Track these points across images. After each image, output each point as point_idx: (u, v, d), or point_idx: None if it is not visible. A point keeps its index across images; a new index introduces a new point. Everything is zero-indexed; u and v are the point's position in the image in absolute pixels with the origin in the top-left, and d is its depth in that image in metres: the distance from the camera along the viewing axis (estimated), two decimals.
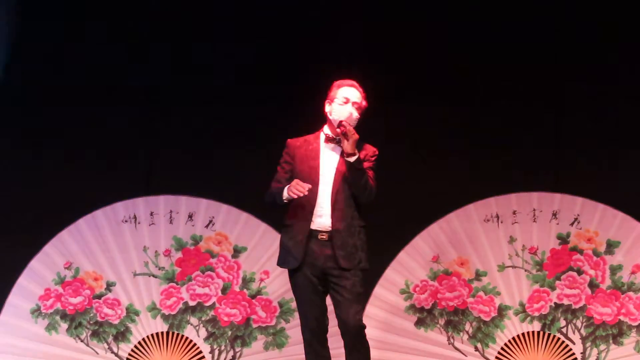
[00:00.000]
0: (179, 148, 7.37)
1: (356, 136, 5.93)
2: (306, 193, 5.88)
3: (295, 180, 5.92)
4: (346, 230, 6.02)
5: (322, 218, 6.02)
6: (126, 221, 7.35)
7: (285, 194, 5.96)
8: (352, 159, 5.93)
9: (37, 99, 7.45)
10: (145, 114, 7.40)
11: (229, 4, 7.42)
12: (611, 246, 7.09)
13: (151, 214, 7.35)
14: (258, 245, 7.29)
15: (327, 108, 6.10)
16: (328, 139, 6.07)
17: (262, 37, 7.37)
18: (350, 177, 5.97)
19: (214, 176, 7.35)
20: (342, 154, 5.98)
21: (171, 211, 7.35)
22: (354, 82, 6.14)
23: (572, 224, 7.13)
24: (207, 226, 7.34)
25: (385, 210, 7.06)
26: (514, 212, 7.17)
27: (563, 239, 7.13)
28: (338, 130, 5.96)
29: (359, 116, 6.08)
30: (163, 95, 7.41)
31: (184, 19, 7.43)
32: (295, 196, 5.89)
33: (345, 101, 6.05)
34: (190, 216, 7.34)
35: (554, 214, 7.14)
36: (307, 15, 7.35)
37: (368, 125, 6.76)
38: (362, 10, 7.33)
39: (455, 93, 7.29)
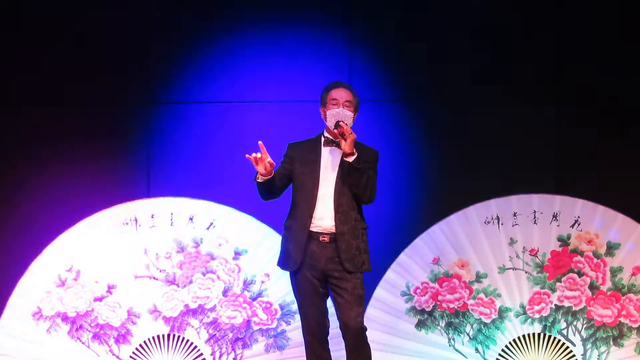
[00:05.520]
0: (179, 149, 7.37)
1: (353, 135, 5.95)
2: (254, 156, 5.92)
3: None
4: (350, 232, 6.03)
5: (324, 220, 6.04)
6: (127, 223, 7.35)
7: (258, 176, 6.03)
8: (350, 159, 5.95)
9: (35, 99, 7.45)
10: (145, 114, 7.39)
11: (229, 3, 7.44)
12: (611, 248, 7.09)
13: (152, 216, 7.35)
14: (259, 247, 7.29)
15: (322, 113, 6.15)
16: (327, 142, 6.10)
17: (261, 37, 7.37)
18: (350, 178, 5.99)
19: (214, 178, 7.35)
20: (342, 156, 6.00)
21: (172, 213, 7.35)
22: (341, 82, 6.21)
23: (572, 226, 7.14)
24: (208, 228, 7.34)
25: (386, 212, 7.07)
26: (515, 214, 7.18)
27: (563, 241, 7.14)
28: (335, 131, 5.99)
29: (353, 114, 6.11)
30: (163, 95, 7.41)
31: (179, 18, 7.45)
32: (253, 161, 5.93)
33: (334, 103, 6.10)
34: (191, 218, 7.34)
35: (555, 216, 7.15)
36: (306, 16, 7.37)
37: (368, 125, 6.79)
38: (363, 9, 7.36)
39: (455, 94, 7.30)
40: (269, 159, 5.95)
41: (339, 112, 6.04)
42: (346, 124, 5.98)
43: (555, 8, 7.27)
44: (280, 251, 6.21)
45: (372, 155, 6.13)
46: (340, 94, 6.12)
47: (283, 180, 6.14)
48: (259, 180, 6.02)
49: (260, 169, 5.95)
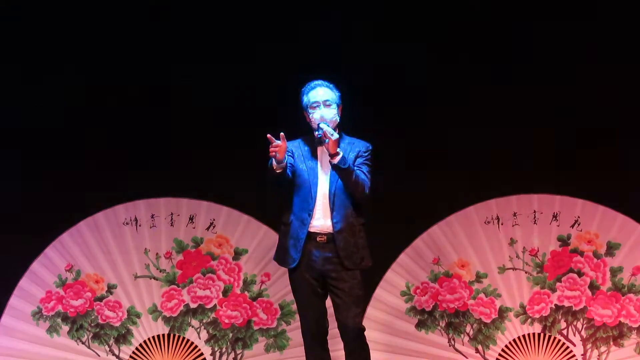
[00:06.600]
0: (179, 149, 7.37)
1: (335, 136, 5.92)
2: (278, 144, 5.81)
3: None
4: (347, 230, 6.03)
5: (321, 220, 6.04)
6: (127, 223, 7.35)
7: (273, 163, 5.91)
8: (335, 160, 5.94)
9: (36, 99, 7.45)
10: (145, 115, 7.40)
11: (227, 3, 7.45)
12: (611, 248, 7.09)
13: (152, 216, 7.35)
14: (259, 247, 7.30)
15: (307, 117, 6.12)
16: (317, 142, 6.07)
17: (260, 38, 7.38)
18: (340, 177, 6.00)
19: (214, 178, 7.35)
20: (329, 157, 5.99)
21: (172, 213, 7.36)
22: (316, 82, 6.14)
23: (572, 226, 7.14)
24: (208, 228, 7.34)
25: (386, 212, 7.07)
26: (515, 214, 7.18)
27: (563, 241, 7.14)
28: (315, 134, 5.97)
29: (336, 111, 6.08)
30: (163, 96, 7.42)
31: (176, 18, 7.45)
32: (273, 155, 5.84)
33: (315, 105, 6.07)
34: (191, 218, 7.34)
35: (555, 216, 7.15)
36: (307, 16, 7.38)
37: (367, 125, 6.78)
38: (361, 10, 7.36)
39: (455, 93, 7.30)
40: (278, 143, 5.88)
41: (322, 116, 6.02)
42: (327, 127, 5.95)
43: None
44: (277, 246, 6.21)
45: (364, 149, 6.12)
46: (318, 94, 6.08)
47: (291, 169, 6.12)
48: (277, 171, 5.94)
49: (280, 157, 5.90)
